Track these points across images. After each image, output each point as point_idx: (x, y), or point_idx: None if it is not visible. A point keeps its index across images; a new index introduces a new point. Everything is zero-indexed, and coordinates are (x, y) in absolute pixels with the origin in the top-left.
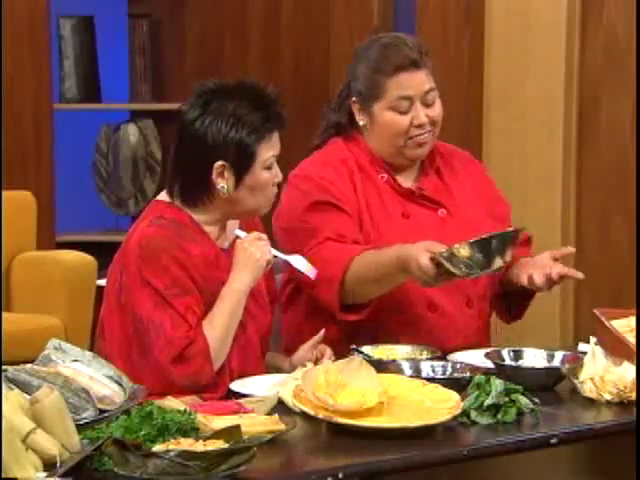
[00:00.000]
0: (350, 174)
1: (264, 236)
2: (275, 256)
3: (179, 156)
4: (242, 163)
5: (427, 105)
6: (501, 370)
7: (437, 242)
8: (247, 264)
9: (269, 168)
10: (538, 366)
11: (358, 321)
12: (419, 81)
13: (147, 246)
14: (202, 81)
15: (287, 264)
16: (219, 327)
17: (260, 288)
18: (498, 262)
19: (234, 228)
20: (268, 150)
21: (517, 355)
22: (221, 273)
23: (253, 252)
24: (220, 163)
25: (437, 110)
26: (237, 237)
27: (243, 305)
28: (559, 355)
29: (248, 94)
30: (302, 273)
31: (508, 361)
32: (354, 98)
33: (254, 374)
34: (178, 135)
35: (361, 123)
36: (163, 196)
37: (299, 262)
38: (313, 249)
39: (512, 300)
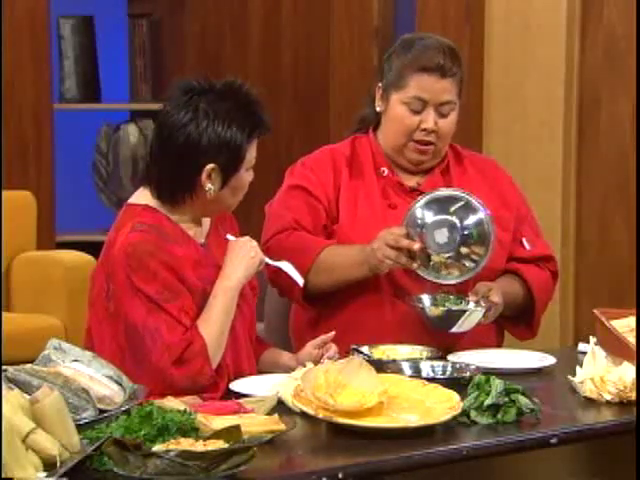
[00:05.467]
0: (337, 168)
1: (255, 241)
2: (267, 262)
3: (167, 157)
4: (232, 165)
5: (441, 115)
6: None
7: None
8: (241, 261)
9: (249, 169)
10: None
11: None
12: (439, 88)
13: (133, 253)
14: (184, 79)
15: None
16: (215, 325)
17: None
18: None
19: (207, 223)
20: (253, 151)
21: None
22: (206, 270)
23: (248, 250)
24: (211, 166)
25: (449, 124)
26: (227, 241)
27: (236, 302)
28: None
29: (237, 95)
30: (291, 278)
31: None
32: (380, 84)
33: (247, 369)
34: (166, 136)
35: (378, 109)
36: (136, 199)
37: (288, 268)
38: (275, 236)
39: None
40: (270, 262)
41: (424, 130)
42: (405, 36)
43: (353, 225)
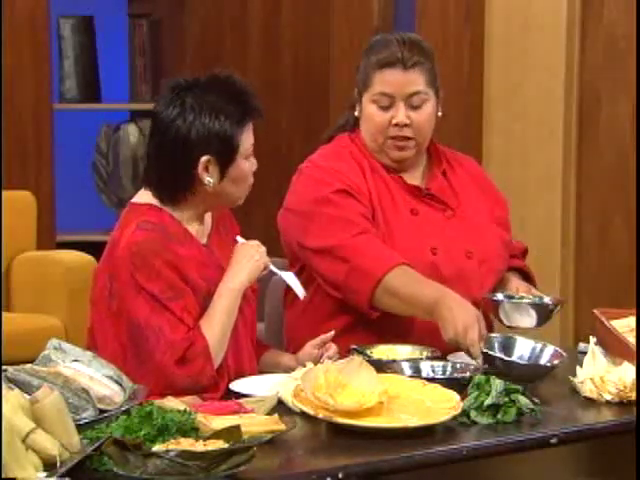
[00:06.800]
0: (360, 167)
1: (263, 247)
2: (270, 270)
3: (162, 154)
4: (226, 155)
5: (413, 107)
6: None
7: (479, 314)
8: (246, 264)
9: (248, 157)
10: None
11: (355, 320)
12: (403, 81)
13: (138, 252)
14: (172, 79)
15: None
16: (217, 326)
17: None
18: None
19: (209, 221)
20: (247, 139)
21: (507, 345)
22: (209, 270)
23: (253, 253)
24: (206, 158)
25: (423, 115)
26: (235, 242)
27: (238, 303)
28: (548, 351)
29: (222, 86)
30: (292, 290)
31: (497, 352)
32: (356, 88)
33: (248, 369)
34: (158, 134)
35: (356, 114)
36: (140, 198)
37: (291, 279)
38: (355, 238)
39: None
40: (274, 270)
41: (396, 125)
42: (373, 38)
43: (388, 229)
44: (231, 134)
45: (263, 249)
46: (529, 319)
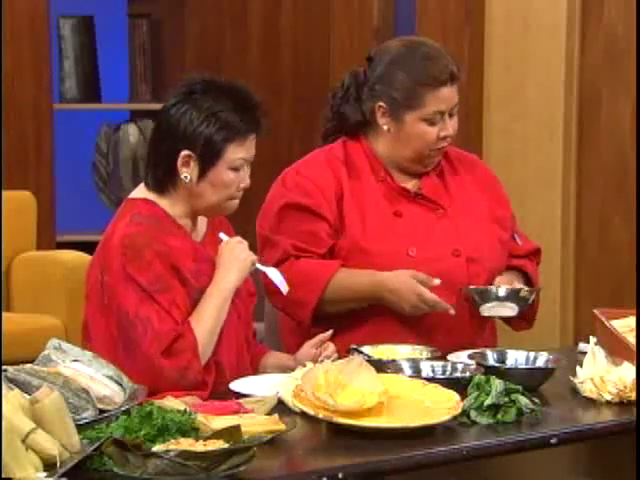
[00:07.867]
0: (335, 176)
1: (245, 241)
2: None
3: (152, 140)
4: (208, 158)
5: (451, 116)
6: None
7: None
8: (234, 264)
9: (236, 170)
10: (521, 367)
11: (353, 320)
12: (452, 95)
13: (129, 244)
14: (196, 74)
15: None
16: (206, 324)
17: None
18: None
19: (204, 222)
20: (237, 152)
21: (500, 357)
22: (201, 264)
23: (239, 252)
24: (186, 152)
25: (456, 122)
26: (220, 240)
27: (229, 303)
28: (542, 357)
29: (232, 94)
30: (275, 285)
31: (492, 362)
32: (382, 103)
33: (242, 368)
34: (158, 118)
35: (385, 127)
36: (136, 193)
37: (275, 275)
38: (280, 266)
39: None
40: (258, 266)
41: (444, 138)
42: (397, 50)
43: (364, 234)
44: (216, 139)
45: (246, 244)
46: (506, 309)
